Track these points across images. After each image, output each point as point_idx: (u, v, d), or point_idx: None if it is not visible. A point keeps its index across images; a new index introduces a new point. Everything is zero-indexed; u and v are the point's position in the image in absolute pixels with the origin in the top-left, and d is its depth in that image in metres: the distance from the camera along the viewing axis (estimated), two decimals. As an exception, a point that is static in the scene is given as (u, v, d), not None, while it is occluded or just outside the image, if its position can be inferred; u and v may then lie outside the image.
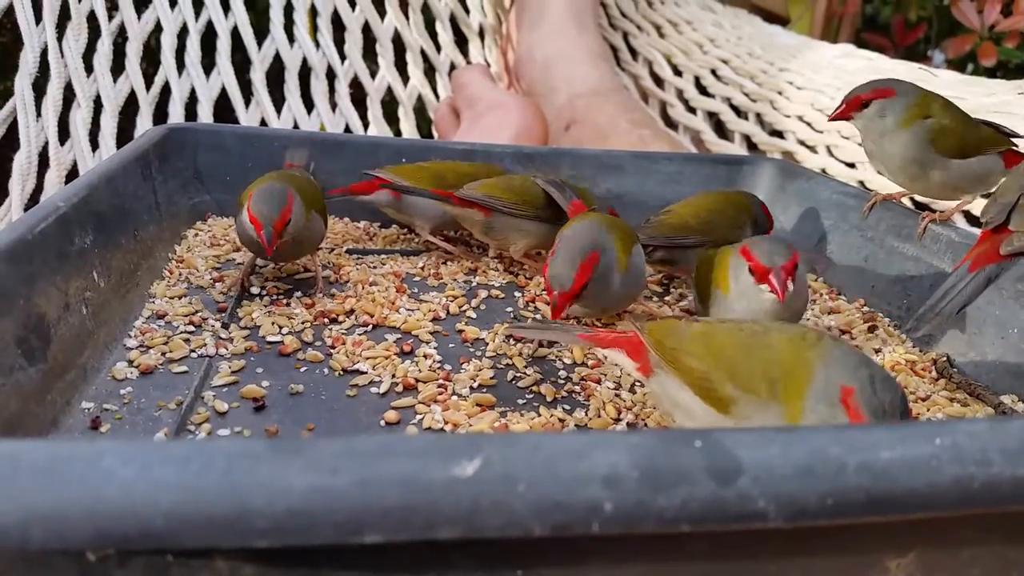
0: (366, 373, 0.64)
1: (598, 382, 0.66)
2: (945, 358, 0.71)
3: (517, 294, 0.83)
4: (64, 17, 1.27)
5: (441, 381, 0.64)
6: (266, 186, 0.74)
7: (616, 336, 0.58)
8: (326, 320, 0.73)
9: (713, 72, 1.70)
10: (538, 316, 0.77)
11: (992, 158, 0.79)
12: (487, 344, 0.71)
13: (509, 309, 0.80)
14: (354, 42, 1.63)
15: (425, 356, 0.68)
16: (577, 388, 0.65)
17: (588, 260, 0.65)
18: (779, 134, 1.51)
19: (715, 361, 0.50)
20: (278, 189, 0.73)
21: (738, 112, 1.61)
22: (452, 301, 0.79)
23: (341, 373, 0.64)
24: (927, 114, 0.78)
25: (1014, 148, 0.80)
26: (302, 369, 0.65)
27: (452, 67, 1.74)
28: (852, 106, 0.79)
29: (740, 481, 0.31)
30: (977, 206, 1.04)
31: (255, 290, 0.77)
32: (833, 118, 0.82)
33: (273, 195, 0.73)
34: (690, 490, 0.30)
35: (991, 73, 2.06)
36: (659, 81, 1.76)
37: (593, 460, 0.30)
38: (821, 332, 0.50)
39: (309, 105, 1.56)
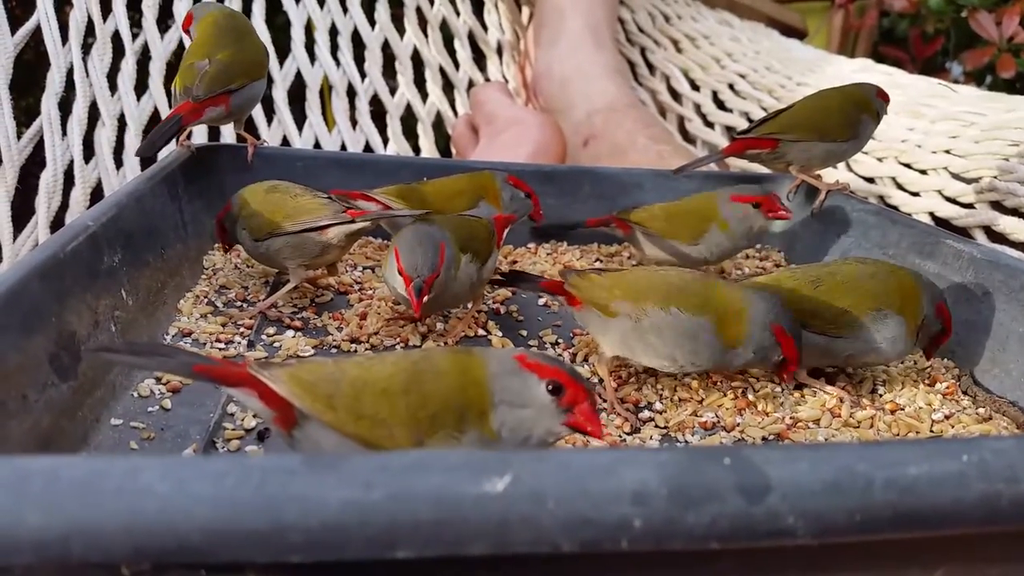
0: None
1: (635, 404, 0.66)
2: (969, 375, 0.71)
3: (543, 300, 0.84)
4: (89, 37, 1.29)
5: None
6: (413, 232, 0.69)
7: (238, 372, 0.45)
8: (350, 342, 0.73)
9: (731, 87, 1.70)
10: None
11: None
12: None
13: (540, 318, 0.81)
14: (374, 60, 1.64)
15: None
16: (604, 404, 0.65)
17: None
18: (798, 149, 1.51)
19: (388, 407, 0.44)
20: (427, 235, 0.69)
21: (756, 127, 1.61)
22: (475, 316, 0.79)
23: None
24: None
25: None
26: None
27: (470, 84, 1.76)
28: None
29: (769, 498, 0.31)
30: (1004, 223, 1.04)
31: (283, 310, 0.78)
32: None
33: (424, 244, 0.67)
34: (719, 507, 0.31)
35: (1010, 85, 2.05)
36: (677, 96, 1.76)
37: (622, 477, 0.31)
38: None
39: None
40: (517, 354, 0.44)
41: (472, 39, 1.82)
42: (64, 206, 1.16)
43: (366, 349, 0.71)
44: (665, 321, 0.63)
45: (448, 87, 1.74)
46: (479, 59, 1.83)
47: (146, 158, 1.15)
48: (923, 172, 1.21)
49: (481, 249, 0.73)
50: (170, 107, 1.34)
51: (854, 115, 0.92)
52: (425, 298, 0.65)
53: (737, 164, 1.51)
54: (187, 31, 0.92)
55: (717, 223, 0.87)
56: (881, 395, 0.69)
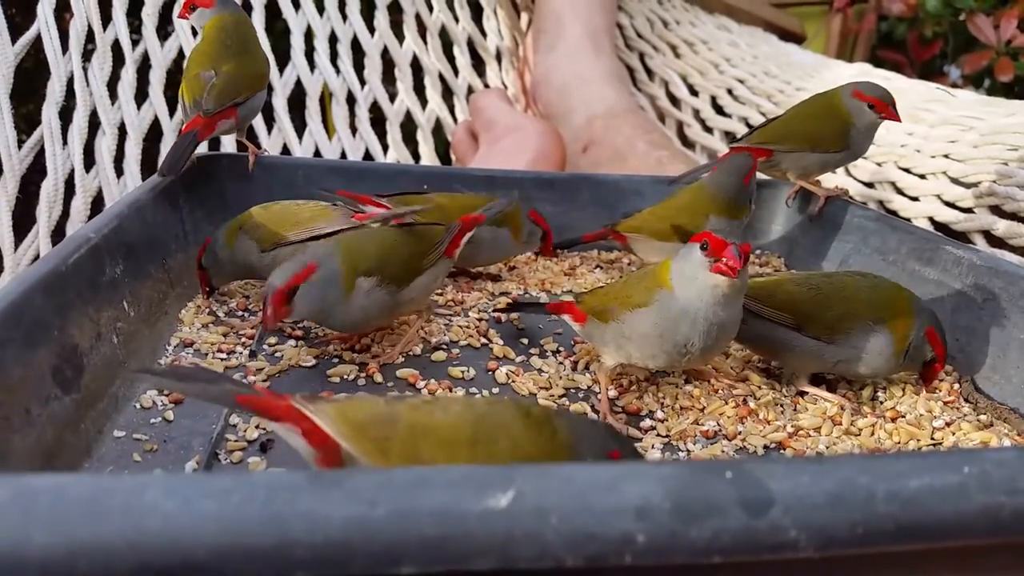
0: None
1: (636, 412, 0.66)
2: (970, 381, 0.71)
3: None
4: (89, 45, 1.29)
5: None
6: (302, 252, 0.68)
7: (281, 405, 0.45)
8: (352, 352, 0.74)
9: (730, 92, 1.70)
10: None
11: None
12: (513, 376, 0.72)
13: (541, 326, 0.81)
14: (373, 67, 1.65)
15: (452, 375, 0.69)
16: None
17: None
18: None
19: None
20: (310, 255, 0.66)
21: (755, 132, 1.61)
22: (476, 325, 0.80)
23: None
24: None
25: None
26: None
27: (470, 90, 1.76)
28: None
29: (772, 512, 0.31)
30: (1003, 227, 1.04)
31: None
32: None
33: (293, 264, 0.65)
34: (722, 521, 0.31)
35: (1008, 88, 2.06)
36: (675, 101, 1.77)
37: (625, 492, 0.31)
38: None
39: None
40: (610, 452, 0.43)
41: (471, 45, 1.83)
42: (65, 215, 1.16)
43: (371, 358, 0.71)
44: (633, 320, 0.64)
45: (447, 93, 1.74)
46: (478, 65, 1.84)
47: (147, 168, 1.16)
48: (922, 177, 1.21)
49: (398, 273, 0.69)
50: (170, 115, 1.35)
51: (841, 126, 0.92)
52: (269, 310, 0.62)
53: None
54: (193, 8, 0.92)
55: (716, 210, 0.88)
56: (882, 402, 0.70)
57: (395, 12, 1.73)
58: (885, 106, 0.90)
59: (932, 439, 0.63)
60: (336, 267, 0.66)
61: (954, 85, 2.11)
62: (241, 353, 0.71)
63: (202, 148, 0.97)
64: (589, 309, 0.68)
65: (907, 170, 1.24)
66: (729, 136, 1.64)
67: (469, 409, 0.43)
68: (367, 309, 0.68)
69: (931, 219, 1.16)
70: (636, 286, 0.66)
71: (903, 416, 0.66)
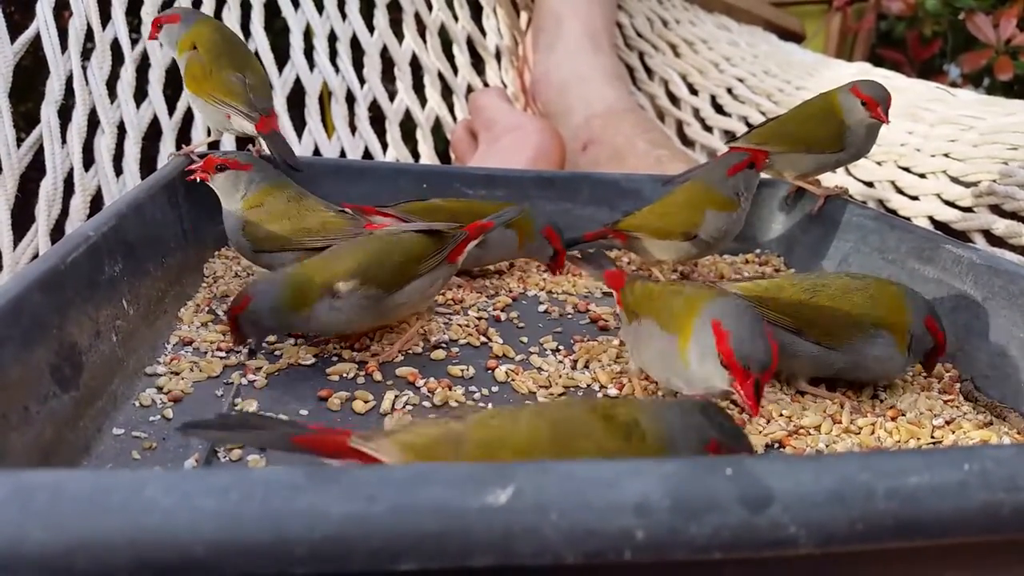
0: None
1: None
2: (969, 380, 0.71)
3: (543, 307, 0.85)
4: (88, 43, 1.29)
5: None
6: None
7: (339, 442, 0.44)
8: (351, 350, 0.74)
9: (729, 91, 1.70)
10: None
11: None
12: (515, 374, 0.72)
13: (541, 324, 0.81)
14: (373, 66, 1.64)
15: (450, 374, 0.69)
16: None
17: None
18: (796, 153, 1.51)
19: None
20: (247, 288, 0.67)
21: (755, 131, 1.61)
22: (476, 323, 0.80)
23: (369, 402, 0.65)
24: None
25: None
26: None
27: (469, 89, 1.76)
28: None
29: (771, 509, 0.31)
30: (1003, 226, 1.04)
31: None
32: None
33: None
34: (722, 518, 0.31)
35: (1008, 87, 2.06)
36: (675, 100, 1.76)
37: (625, 489, 0.31)
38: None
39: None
40: (707, 444, 0.43)
41: (471, 44, 1.83)
42: (64, 213, 1.16)
43: (371, 356, 0.71)
44: (646, 331, 0.64)
45: (447, 92, 1.74)
46: (478, 64, 1.84)
47: (148, 167, 1.16)
48: (922, 176, 1.21)
49: (385, 278, 0.69)
50: (169, 115, 1.35)
51: (837, 126, 0.91)
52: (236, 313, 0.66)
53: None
54: (160, 27, 0.91)
55: (713, 205, 0.88)
56: (882, 400, 0.69)
57: (394, 11, 1.73)
58: (875, 105, 0.89)
59: (932, 437, 0.63)
60: (275, 296, 0.66)
61: (953, 84, 2.11)
62: (240, 351, 0.71)
63: (202, 148, 0.97)
64: (623, 300, 0.69)
65: (907, 169, 1.23)
66: (728, 135, 1.64)
67: (539, 416, 0.43)
68: (347, 313, 0.68)
69: (931, 218, 1.16)
70: (667, 307, 0.63)
71: (903, 414, 0.66)
